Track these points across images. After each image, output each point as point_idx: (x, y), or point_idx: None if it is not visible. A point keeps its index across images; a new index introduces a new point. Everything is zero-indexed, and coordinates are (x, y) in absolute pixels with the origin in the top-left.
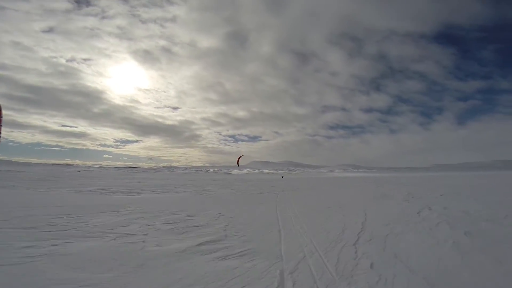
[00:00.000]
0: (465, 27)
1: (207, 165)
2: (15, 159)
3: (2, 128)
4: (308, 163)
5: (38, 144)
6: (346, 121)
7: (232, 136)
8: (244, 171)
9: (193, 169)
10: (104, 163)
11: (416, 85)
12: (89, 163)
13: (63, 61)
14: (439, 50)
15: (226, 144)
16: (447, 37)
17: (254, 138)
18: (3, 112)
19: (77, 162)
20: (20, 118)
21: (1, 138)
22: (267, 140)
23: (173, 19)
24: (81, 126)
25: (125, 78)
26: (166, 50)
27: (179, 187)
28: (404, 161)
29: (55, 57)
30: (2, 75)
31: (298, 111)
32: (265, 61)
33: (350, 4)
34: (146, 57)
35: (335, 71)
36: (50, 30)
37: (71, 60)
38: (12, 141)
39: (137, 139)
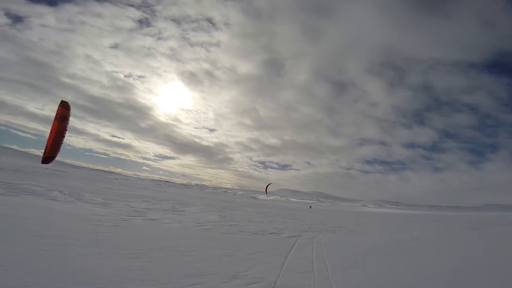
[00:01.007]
0: None
1: (236, 187)
2: (68, 161)
3: (66, 132)
4: (339, 196)
5: (89, 150)
6: (384, 156)
7: (262, 163)
8: (271, 198)
9: (222, 190)
10: (142, 175)
11: (465, 118)
12: (129, 172)
13: (121, 76)
14: (492, 80)
15: (256, 170)
16: (501, 65)
17: (284, 167)
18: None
19: (119, 170)
20: (78, 125)
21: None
22: (297, 170)
23: (217, 44)
24: (128, 138)
25: (171, 97)
26: (209, 74)
27: (147, 202)
28: (448, 199)
29: (116, 72)
30: (72, 84)
31: (333, 142)
32: (300, 89)
33: (391, 33)
34: (191, 78)
35: (374, 101)
36: (116, 46)
37: (128, 76)
38: (68, 145)
39: (175, 156)
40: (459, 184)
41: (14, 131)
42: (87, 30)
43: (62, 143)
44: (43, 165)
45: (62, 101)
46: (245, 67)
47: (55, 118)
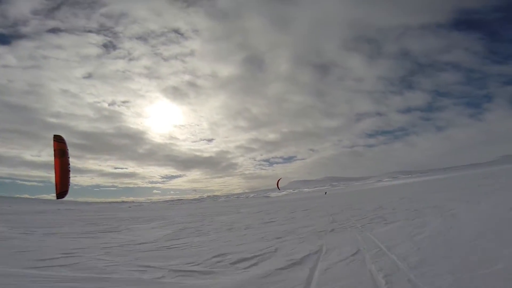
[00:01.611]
0: (479, 10)
1: (247, 191)
2: (80, 199)
3: (70, 166)
4: (351, 176)
5: (97, 186)
6: (384, 126)
7: (266, 160)
8: (284, 193)
9: (234, 196)
10: (154, 198)
11: (451, 76)
12: (141, 199)
13: (106, 105)
14: (463, 37)
15: (262, 169)
16: (466, 23)
17: (289, 159)
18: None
19: (131, 199)
20: (79, 164)
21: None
22: (303, 159)
23: (191, 53)
24: (130, 167)
25: (161, 116)
26: (192, 84)
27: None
28: (462, 158)
29: (99, 102)
30: (59, 123)
31: (331, 123)
32: (285, 80)
33: (356, 7)
34: (175, 93)
35: (359, 76)
36: (89, 76)
37: (112, 103)
38: (76, 185)
39: (180, 173)
40: (467, 139)
41: (20, 182)
42: (53, 64)
43: (69, 177)
44: (58, 201)
45: (55, 135)
46: (226, 70)
47: (55, 155)
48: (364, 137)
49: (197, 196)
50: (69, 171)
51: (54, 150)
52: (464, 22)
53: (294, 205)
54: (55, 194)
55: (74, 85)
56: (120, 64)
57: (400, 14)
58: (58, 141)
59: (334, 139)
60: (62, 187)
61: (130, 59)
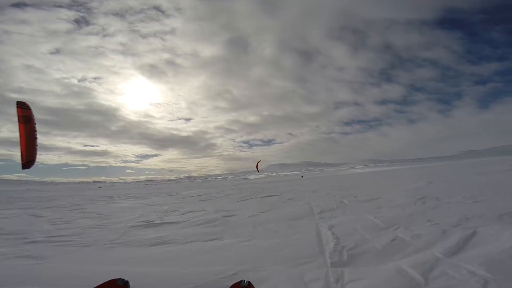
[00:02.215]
0: (466, 10)
1: (225, 172)
2: (47, 179)
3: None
4: (326, 162)
5: (66, 164)
6: (360, 116)
7: (246, 142)
8: (262, 175)
9: (212, 177)
10: (128, 178)
11: (428, 72)
12: (114, 179)
13: (75, 81)
14: (445, 35)
15: (241, 150)
16: (450, 22)
17: (268, 142)
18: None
19: (103, 178)
20: (45, 141)
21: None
22: (281, 143)
23: (172, 32)
24: (102, 144)
25: (136, 93)
26: (170, 63)
27: None
28: (428, 150)
29: (67, 78)
30: (21, 98)
31: (310, 110)
32: (269, 64)
33: None
34: (152, 71)
35: (341, 65)
36: (57, 51)
37: (83, 79)
38: (42, 163)
39: (156, 153)
40: (434, 133)
41: None
42: (16, 39)
43: (37, 146)
44: (23, 181)
45: (17, 102)
46: (209, 50)
47: (19, 121)
48: (340, 125)
49: (173, 177)
50: (36, 138)
51: (19, 117)
52: (449, 21)
53: (261, 187)
54: (20, 168)
55: (39, 60)
56: (93, 40)
57: (389, 8)
58: (22, 107)
59: (312, 124)
60: (29, 156)
61: (104, 35)
